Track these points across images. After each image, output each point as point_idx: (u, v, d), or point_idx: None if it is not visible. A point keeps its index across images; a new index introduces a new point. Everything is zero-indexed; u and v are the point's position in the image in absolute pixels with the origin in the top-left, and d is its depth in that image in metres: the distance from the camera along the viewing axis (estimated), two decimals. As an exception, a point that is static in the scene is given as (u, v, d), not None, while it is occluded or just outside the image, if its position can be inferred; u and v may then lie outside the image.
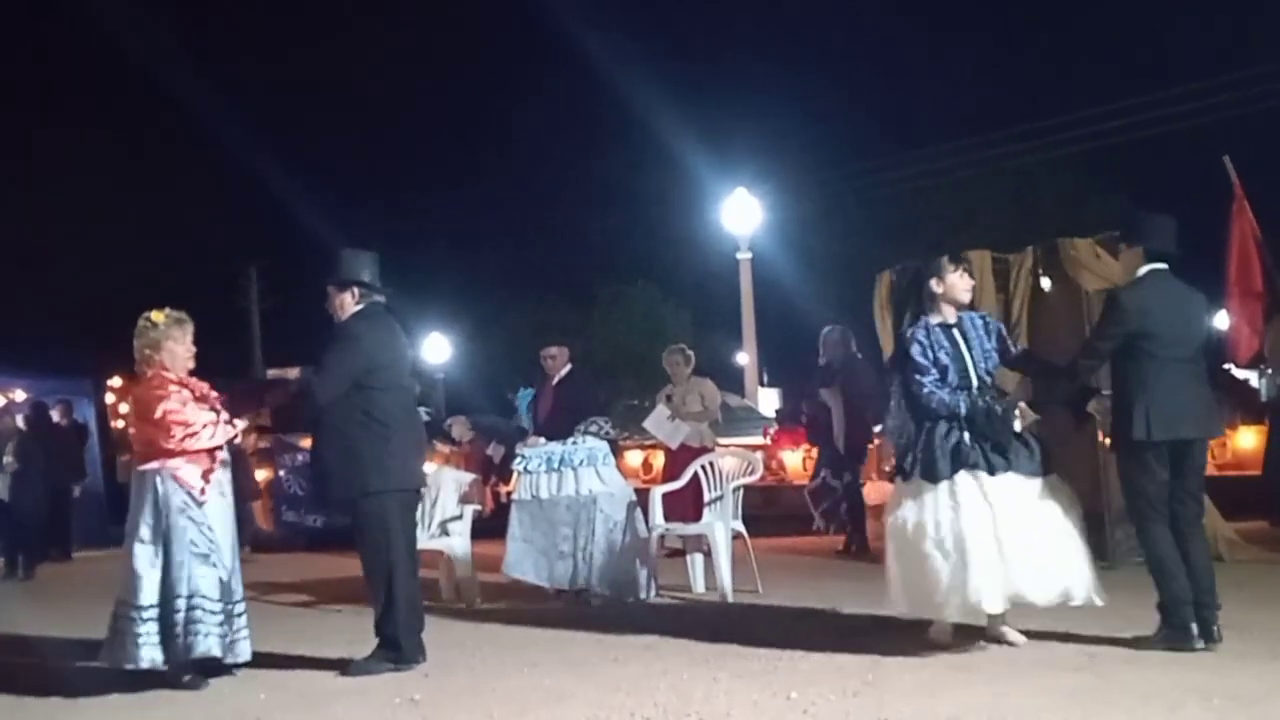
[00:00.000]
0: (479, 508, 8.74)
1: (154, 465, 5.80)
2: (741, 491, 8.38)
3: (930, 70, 39.54)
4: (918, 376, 5.75)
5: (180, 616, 5.63)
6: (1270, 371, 10.33)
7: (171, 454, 5.77)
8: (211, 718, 5.28)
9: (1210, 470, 12.24)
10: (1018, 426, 5.69)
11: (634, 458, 15.90)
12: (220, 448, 5.93)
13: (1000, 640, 5.73)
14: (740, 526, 8.22)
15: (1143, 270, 5.76)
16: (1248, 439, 13.00)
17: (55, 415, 14.32)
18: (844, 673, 5.33)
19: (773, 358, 29.62)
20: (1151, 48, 33.44)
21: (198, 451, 5.81)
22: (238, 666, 5.87)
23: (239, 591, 5.92)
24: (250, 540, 13.46)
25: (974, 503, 5.55)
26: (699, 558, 8.52)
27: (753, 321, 24.17)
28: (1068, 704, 4.59)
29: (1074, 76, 33.23)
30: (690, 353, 10.08)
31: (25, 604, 9.31)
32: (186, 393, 5.90)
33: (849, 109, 38.80)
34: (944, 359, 5.76)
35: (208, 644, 5.65)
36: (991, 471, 5.59)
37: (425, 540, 8.41)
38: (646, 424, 9.96)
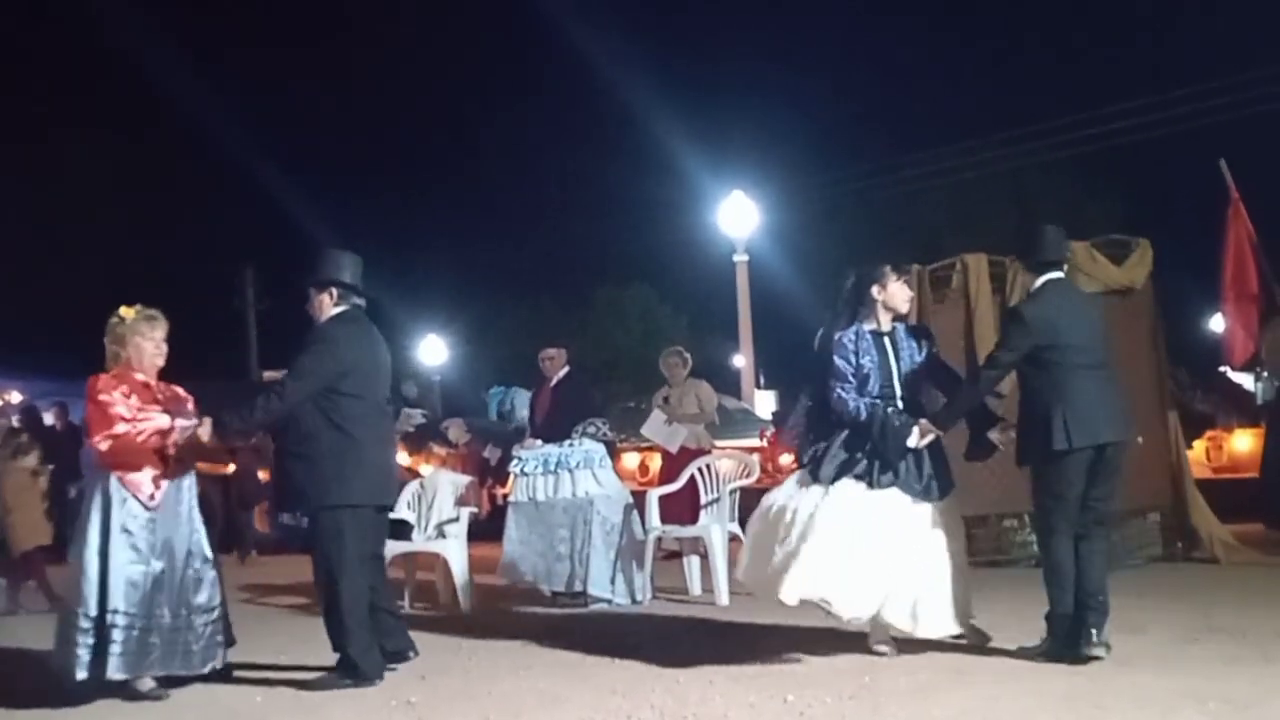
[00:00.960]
0: (475, 510, 8.74)
1: (104, 468, 5.61)
2: (738, 494, 8.38)
3: (928, 73, 39.60)
4: (833, 381, 5.82)
5: (117, 633, 5.40)
6: (1266, 374, 10.35)
7: (103, 455, 5.59)
8: (207, 719, 5.27)
9: (1206, 473, 12.34)
10: (913, 443, 5.69)
11: (631, 460, 15.87)
12: (171, 454, 5.65)
13: (871, 650, 5.75)
14: (737, 529, 8.22)
15: (1039, 281, 5.77)
16: (1243, 442, 13.00)
17: (50, 418, 14.29)
18: (840, 675, 5.33)
19: (769, 360, 29.68)
20: (1149, 51, 33.49)
21: (141, 453, 5.57)
22: (209, 676, 5.67)
23: (204, 604, 5.67)
24: (253, 544, 13.50)
25: (839, 505, 5.64)
26: (695, 560, 8.52)
27: (749, 324, 24.17)
28: (1061, 708, 4.59)
29: (1072, 79, 33.28)
30: (687, 355, 10.08)
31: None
32: (136, 396, 5.66)
33: (846, 111, 38.83)
34: (867, 365, 5.81)
35: (133, 660, 5.42)
36: (871, 484, 5.67)
37: (421, 543, 8.43)
38: (644, 430, 9.93)
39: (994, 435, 5.87)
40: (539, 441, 8.39)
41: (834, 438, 5.81)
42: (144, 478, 5.60)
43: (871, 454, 5.71)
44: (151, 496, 5.59)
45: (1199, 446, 13.40)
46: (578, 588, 8.01)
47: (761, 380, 29.02)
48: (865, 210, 30.70)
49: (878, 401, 5.78)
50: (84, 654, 5.41)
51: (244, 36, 40.87)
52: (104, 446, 5.59)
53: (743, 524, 8.30)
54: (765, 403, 26.66)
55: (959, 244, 12.13)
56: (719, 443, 10.50)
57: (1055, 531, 5.56)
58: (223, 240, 31.46)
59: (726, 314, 25.62)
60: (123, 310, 5.84)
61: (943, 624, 5.67)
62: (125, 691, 5.50)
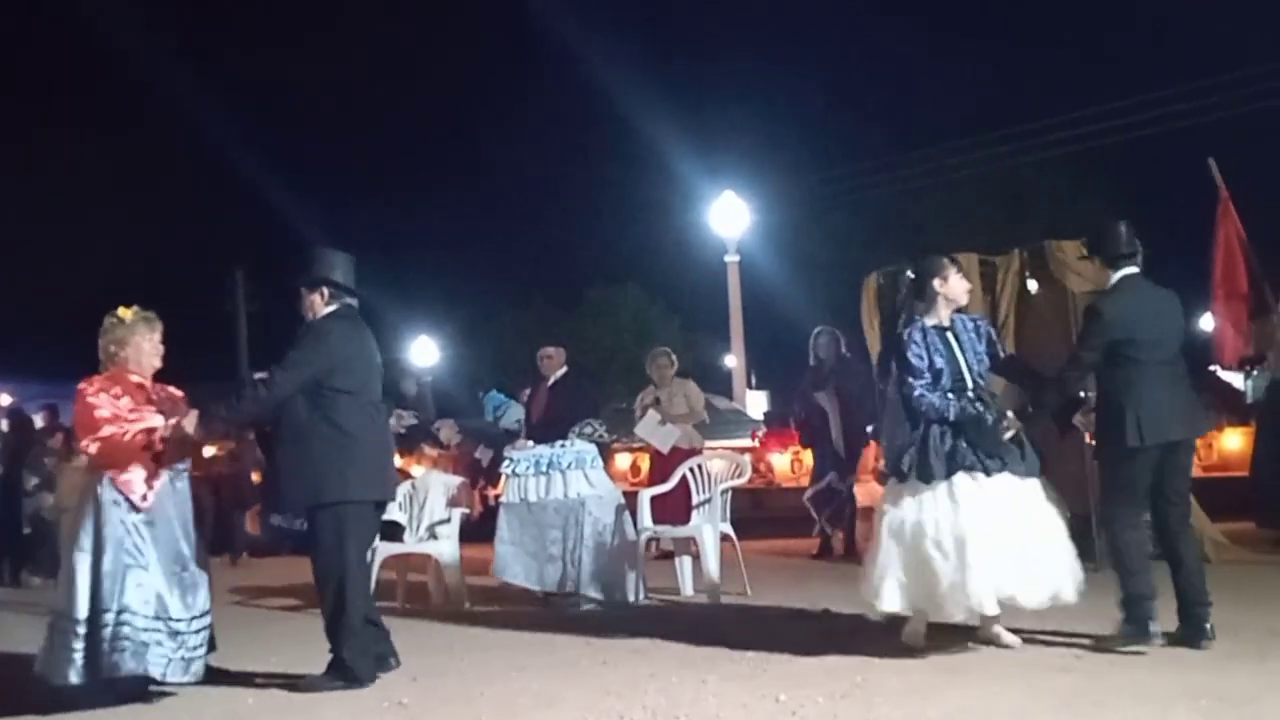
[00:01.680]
0: (467, 511, 8.72)
1: (98, 470, 5.59)
2: (730, 494, 8.38)
3: (919, 72, 39.66)
4: (910, 379, 5.76)
5: (107, 632, 5.33)
6: (1256, 373, 10.36)
7: (93, 458, 5.58)
8: (198, 722, 5.26)
9: (1196, 472, 12.30)
10: (1006, 436, 5.68)
11: (623, 461, 15.89)
12: (162, 454, 5.61)
13: (994, 642, 5.72)
14: (729, 529, 8.22)
15: (1116, 277, 5.79)
16: (1234, 441, 13.05)
17: (40, 420, 14.23)
18: (833, 675, 5.32)
19: (761, 360, 29.70)
20: (1140, 50, 33.58)
21: (130, 454, 5.54)
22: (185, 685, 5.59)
23: (198, 607, 5.61)
24: (244, 547, 13.45)
25: (971, 503, 5.57)
26: (687, 560, 8.52)
27: (741, 324, 24.21)
28: (1057, 705, 4.59)
29: (1063, 79, 33.36)
30: (673, 355, 10.12)
31: (9, 610, 9.24)
32: (130, 398, 5.65)
33: (837, 111, 38.88)
34: (939, 362, 5.77)
35: (130, 663, 5.35)
36: (988, 473, 5.62)
37: (413, 544, 8.41)
38: (638, 430, 9.95)
39: (1078, 419, 5.95)
40: (530, 442, 8.38)
41: (917, 435, 5.73)
42: (135, 478, 5.56)
43: (971, 444, 5.65)
44: (144, 497, 5.55)
45: (1190, 445, 13.43)
46: (570, 588, 8.00)
47: (753, 380, 29.05)
48: (856, 210, 30.75)
49: (964, 398, 5.72)
50: (77, 656, 5.37)
51: (236, 38, 40.84)
52: (92, 449, 5.58)
53: (734, 524, 8.33)
54: (756, 403, 26.71)
55: (950, 243, 12.15)
56: (710, 443, 10.51)
57: (1118, 520, 5.63)
58: (214, 242, 31.46)
59: (718, 314, 25.67)
60: (120, 311, 5.82)
61: (1068, 590, 5.58)
62: (117, 694, 5.48)
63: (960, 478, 5.62)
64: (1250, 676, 4.93)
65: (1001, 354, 6.06)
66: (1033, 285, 9.10)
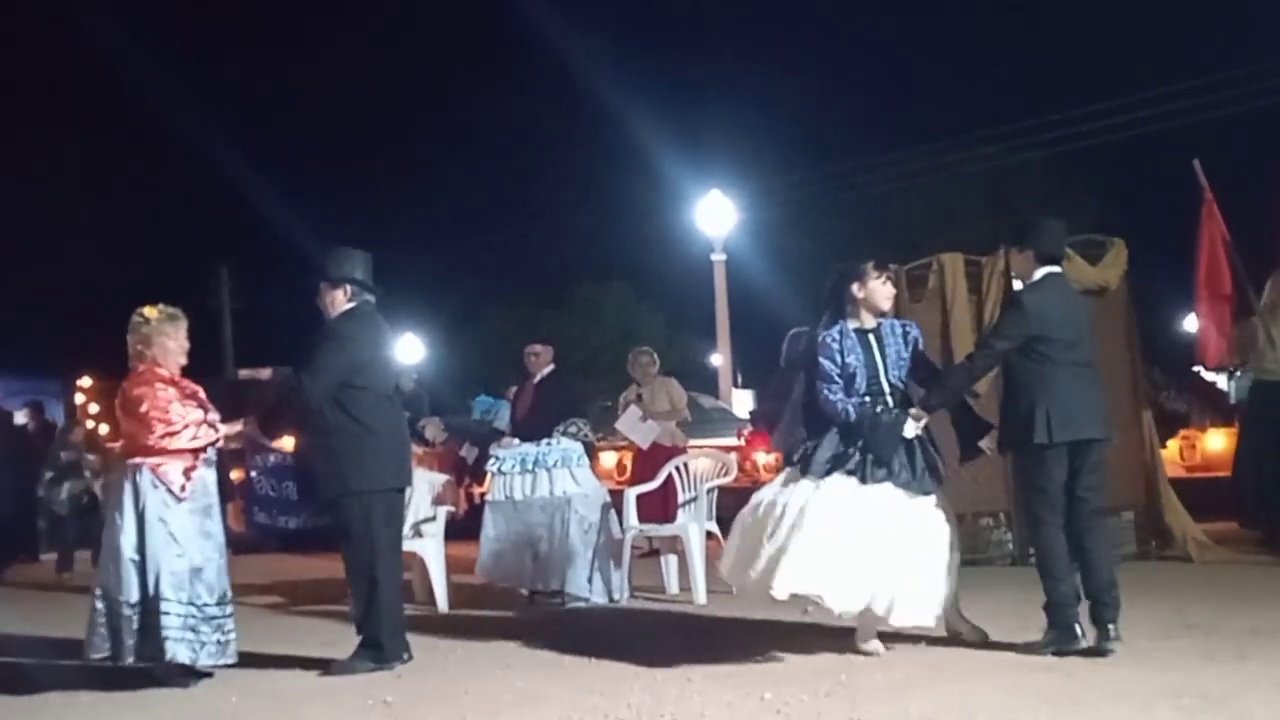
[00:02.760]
0: (452, 509, 8.71)
1: (136, 460, 5.77)
2: (716, 493, 8.39)
3: (906, 73, 39.69)
4: (819, 383, 5.81)
5: (155, 617, 5.58)
6: (1239, 374, 10.41)
7: (152, 450, 5.74)
8: (182, 718, 5.25)
9: (1180, 472, 12.42)
10: (910, 432, 5.69)
11: (609, 459, 15.88)
12: (204, 447, 5.88)
13: (857, 650, 5.73)
14: (714, 527, 8.22)
15: (1039, 274, 5.79)
16: (1217, 441, 13.11)
17: (22, 417, 14.20)
18: (817, 673, 5.34)
19: (747, 359, 29.68)
20: (1124, 51, 33.68)
21: (180, 450, 5.78)
22: (226, 667, 5.80)
23: (226, 593, 5.86)
24: (228, 544, 13.42)
25: (831, 499, 5.62)
26: (673, 559, 8.52)
27: (727, 323, 24.24)
28: (1037, 704, 4.61)
29: (1047, 79, 33.44)
30: (655, 354, 10.16)
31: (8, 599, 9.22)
32: (173, 390, 5.87)
33: (823, 111, 38.89)
34: (853, 364, 5.78)
35: (176, 649, 5.60)
36: (863, 479, 5.65)
37: (398, 541, 8.40)
38: (619, 425, 9.99)
39: (984, 443, 5.91)
40: (516, 440, 8.38)
41: (824, 435, 5.78)
42: (175, 469, 5.78)
43: (864, 449, 5.69)
44: (182, 488, 5.76)
45: (1173, 445, 13.51)
46: (555, 586, 8.01)
47: (739, 379, 29.08)
48: (843, 209, 30.77)
49: (865, 400, 5.76)
50: (129, 639, 5.59)
51: (218, 35, 40.66)
52: (164, 444, 5.74)
53: (720, 522, 8.33)
54: (743, 401, 26.71)
55: (936, 243, 12.19)
56: (697, 441, 10.52)
57: (1042, 522, 5.60)
58: (197, 239, 31.32)
59: (704, 313, 25.70)
60: (146, 310, 6.01)
61: (928, 614, 5.62)
62: (109, 684, 5.58)
63: (836, 477, 5.67)
64: (1230, 675, 4.96)
65: (928, 360, 6.08)
66: (1018, 285, 9.12)
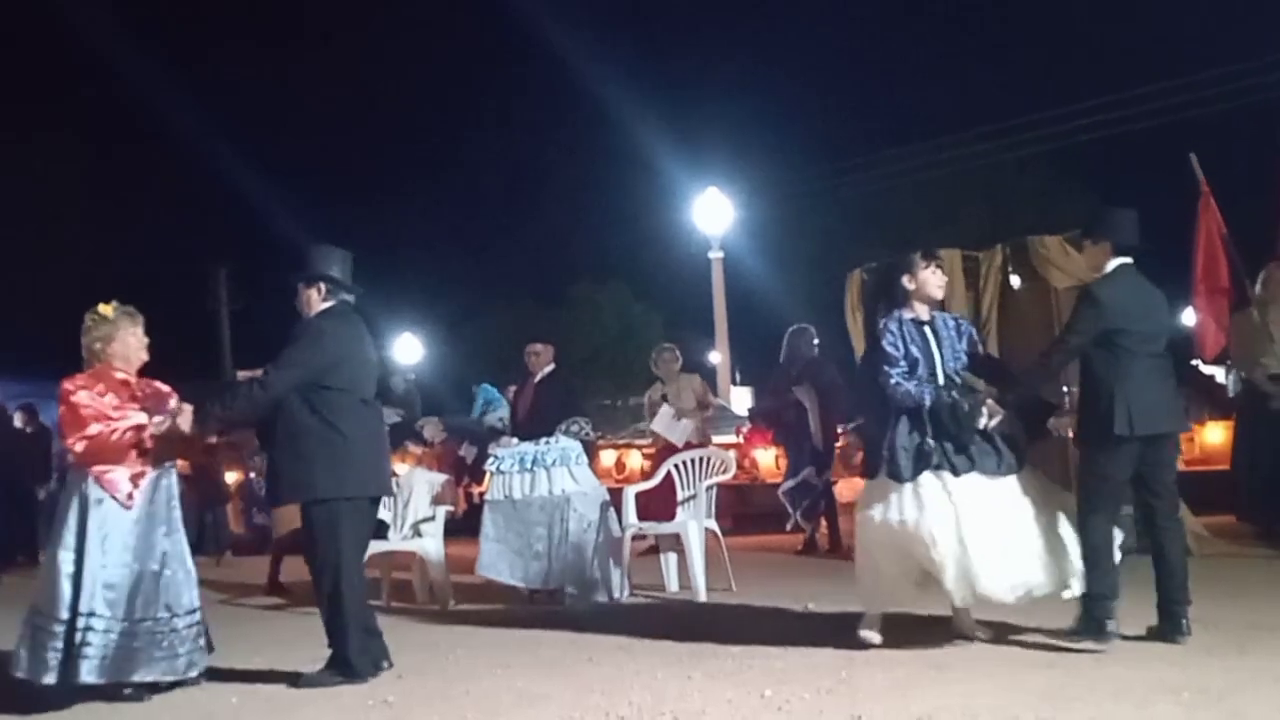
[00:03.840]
0: (451, 508, 8.71)
1: (82, 468, 5.56)
2: (715, 490, 8.39)
3: (902, 69, 39.72)
4: (886, 367, 5.72)
5: (85, 635, 5.32)
6: (1232, 366, 10.42)
7: (80, 456, 5.54)
8: (182, 722, 5.25)
9: (1179, 465, 12.37)
10: (983, 423, 5.64)
11: (608, 457, 15.88)
12: (150, 454, 5.60)
13: (964, 635, 5.74)
14: (714, 525, 8.23)
15: (1112, 265, 5.75)
16: (1215, 434, 13.09)
17: (18, 420, 14.20)
18: (817, 670, 5.34)
19: (745, 357, 29.69)
20: (1119, 47, 33.68)
21: (117, 452, 5.53)
22: (185, 682, 5.61)
23: (185, 606, 5.61)
24: (228, 545, 13.42)
25: (937, 503, 5.53)
26: (672, 557, 8.53)
27: (725, 321, 24.23)
28: (1038, 701, 4.61)
29: (1044, 75, 33.45)
30: (679, 352, 10.27)
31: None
32: (114, 395, 5.62)
33: (821, 108, 38.92)
34: (915, 352, 5.73)
35: (106, 665, 5.34)
36: (955, 472, 5.57)
37: (398, 541, 8.40)
38: (654, 426, 10.16)
39: (1052, 423, 5.90)
40: (515, 440, 8.38)
41: (893, 432, 5.67)
42: (121, 476, 5.54)
43: (939, 442, 5.59)
44: (130, 496, 5.54)
45: (1172, 439, 13.49)
46: (554, 585, 8.01)
47: (737, 377, 29.07)
48: (839, 206, 30.79)
49: (939, 386, 5.67)
50: (53, 657, 5.34)
51: (217, 37, 40.62)
52: (79, 448, 5.54)
53: (719, 519, 8.34)
54: (741, 399, 26.69)
55: (933, 239, 12.18)
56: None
57: (1096, 511, 5.57)
58: (196, 241, 31.30)
59: (702, 310, 25.69)
60: (101, 308, 5.78)
61: (1057, 582, 5.54)
62: (103, 693, 5.46)
63: (926, 477, 5.58)
64: (1230, 670, 4.96)
65: (981, 353, 6.01)
66: (1015, 280, 9.14)
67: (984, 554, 5.46)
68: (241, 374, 6.55)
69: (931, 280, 5.88)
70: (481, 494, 9.73)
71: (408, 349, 33.60)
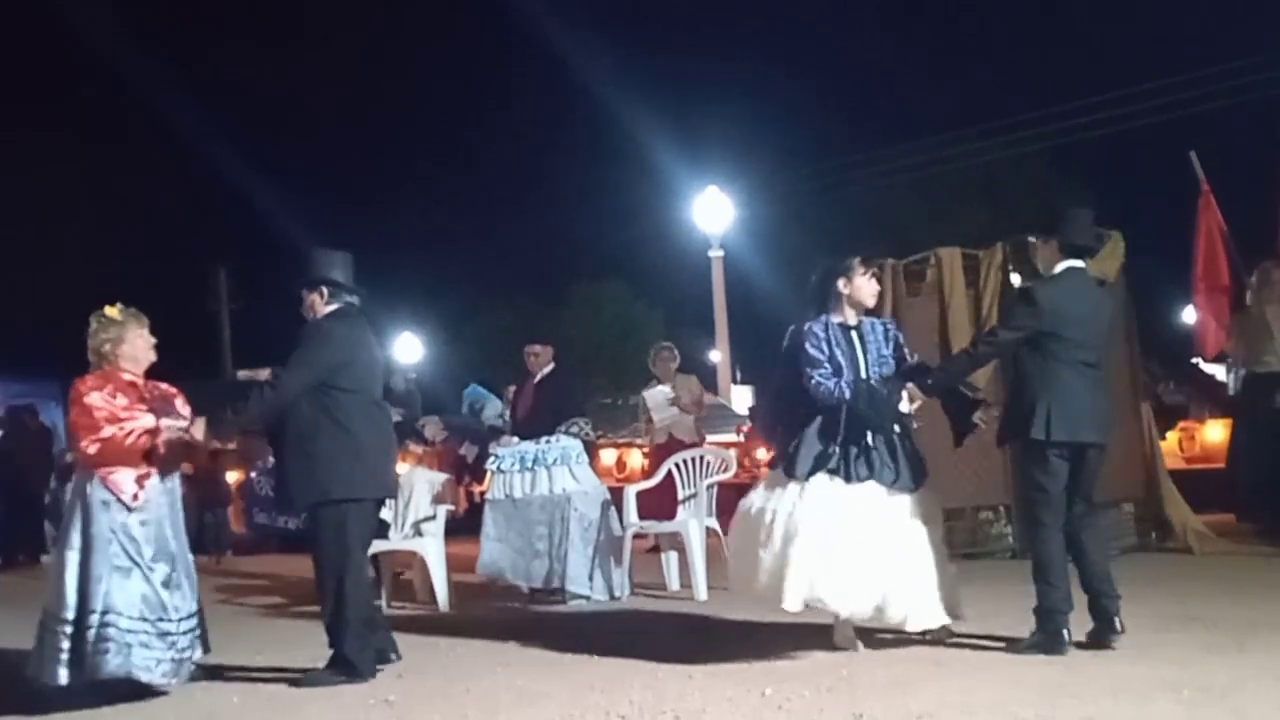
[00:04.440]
0: (452, 507, 8.72)
1: (88, 469, 5.59)
2: (716, 489, 8.39)
3: (901, 67, 39.74)
4: (809, 370, 5.73)
5: (92, 634, 5.34)
6: (1233, 365, 10.42)
7: (90, 458, 5.56)
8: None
9: (1179, 464, 12.40)
10: (904, 407, 5.65)
11: (608, 456, 15.90)
12: (158, 456, 5.64)
13: (838, 646, 5.73)
14: (715, 524, 8.23)
15: (1060, 267, 5.63)
16: (1216, 432, 13.09)
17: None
18: (817, 669, 5.34)
19: (745, 355, 29.71)
20: (1119, 44, 33.68)
21: (129, 454, 5.55)
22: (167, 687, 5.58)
23: (186, 608, 5.64)
24: (229, 545, 13.42)
25: (818, 504, 5.56)
26: (673, 555, 8.53)
27: (725, 319, 24.25)
28: (1037, 698, 4.61)
29: (1043, 73, 33.44)
30: (676, 350, 10.28)
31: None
32: (124, 396, 5.63)
33: (820, 106, 38.92)
34: (839, 356, 5.75)
35: (115, 663, 5.35)
36: (848, 479, 5.60)
37: (399, 541, 8.40)
38: (646, 393, 10.19)
39: (977, 416, 5.83)
40: (516, 439, 8.39)
41: (804, 432, 5.72)
42: (126, 478, 5.56)
43: (845, 446, 5.63)
44: (135, 497, 5.55)
45: (1172, 437, 13.51)
46: (555, 584, 8.01)
47: (738, 375, 29.10)
48: (840, 204, 30.78)
49: (854, 382, 5.70)
50: (63, 656, 5.37)
51: (216, 37, 40.62)
52: (91, 450, 5.56)
53: (720, 519, 8.34)
54: (742, 398, 26.73)
55: (933, 237, 12.19)
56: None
57: (1042, 524, 5.52)
58: (196, 241, 31.31)
59: (702, 309, 25.71)
60: (108, 310, 5.81)
61: (933, 615, 5.60)
62: (104, 693, 5.47)
63: (819, 478, 5.61)
64: (1230, 668, 4.96)
65: (909, 360, 5.99)
66: (1016, 278, 9.13)
67: (838, 564, 5.46)
68: (242, 373, 6.59)
69: (866, 287, 5.90)
70: (482, 493, 9.72)
71: (408, 348, 33.60)
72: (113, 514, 5.51)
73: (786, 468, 5.73)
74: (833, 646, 5.75)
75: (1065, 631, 5.44)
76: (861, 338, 5.85)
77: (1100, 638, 5.46)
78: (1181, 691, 4.58)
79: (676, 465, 8.55)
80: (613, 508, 8.23)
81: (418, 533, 8.41)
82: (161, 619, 5.51)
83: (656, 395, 10.03)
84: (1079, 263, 5.67)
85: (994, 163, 28.68)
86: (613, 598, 8.01)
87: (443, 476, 8.93)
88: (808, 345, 5.78)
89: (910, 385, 5.70)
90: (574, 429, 8.30)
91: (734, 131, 32.54)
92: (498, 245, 35.92)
